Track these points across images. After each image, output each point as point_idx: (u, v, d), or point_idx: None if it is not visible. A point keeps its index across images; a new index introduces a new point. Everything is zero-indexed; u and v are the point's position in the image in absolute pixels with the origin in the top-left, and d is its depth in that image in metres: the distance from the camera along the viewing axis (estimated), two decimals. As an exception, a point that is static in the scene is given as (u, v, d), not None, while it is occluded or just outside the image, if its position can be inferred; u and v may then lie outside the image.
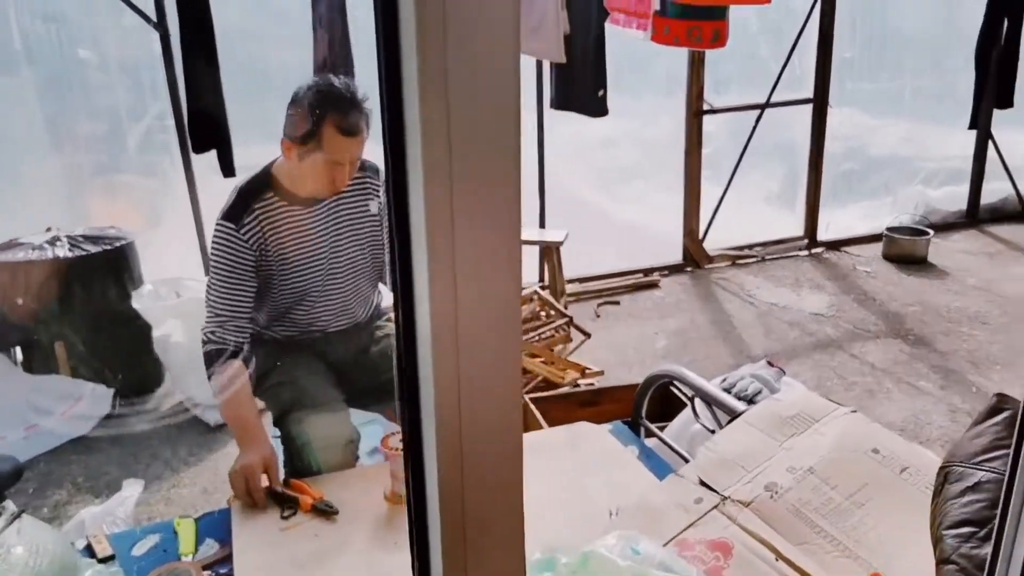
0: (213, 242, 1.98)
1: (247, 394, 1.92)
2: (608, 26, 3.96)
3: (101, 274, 3.31)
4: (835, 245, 5.30)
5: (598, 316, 4.29)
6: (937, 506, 1.24)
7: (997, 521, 0.88)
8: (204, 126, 3.39)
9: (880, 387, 3.44)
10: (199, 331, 2.00)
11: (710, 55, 4.75)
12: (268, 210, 1.98)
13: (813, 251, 5.26)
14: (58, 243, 3.30)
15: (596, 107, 3.94)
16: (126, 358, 3.39)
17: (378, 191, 2.19)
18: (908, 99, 5.88)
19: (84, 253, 3.28)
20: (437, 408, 0.48)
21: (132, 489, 2.06)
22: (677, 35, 4.22)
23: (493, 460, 0.50)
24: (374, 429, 2.47)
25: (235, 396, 1.89)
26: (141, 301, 3.39)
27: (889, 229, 5.10)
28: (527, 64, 4.39)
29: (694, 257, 5.00)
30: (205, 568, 1.66)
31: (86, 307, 3.28)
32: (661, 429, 2.48)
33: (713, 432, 1.96)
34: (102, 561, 1.69)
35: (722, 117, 5.07)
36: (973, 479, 1.22)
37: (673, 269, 4.97)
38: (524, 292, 3.26)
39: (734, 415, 1.79)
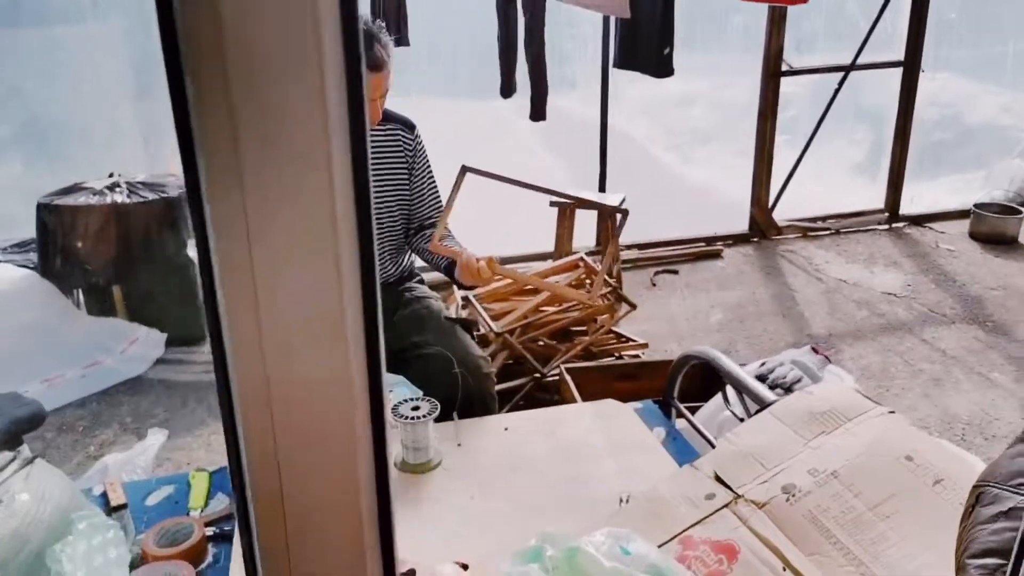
0: None
1: None
2: (679, -21, 3.75)
3: (156, 221, 3.38)
4: (918, 220, 4.97)
5: (654, 285, 4.16)
6: (965, 529, 1.12)
7: (1015, 553, 0.76)
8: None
9: (949, 376, 3.22)
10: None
11: (792, 11, 4.46)
12: None
13: (893, 226, 4.95)
14: (117, 189, 3.38)
15: (661, 67, 3.75)
16: (179, 304, 3.47)
17: (409, 145, 2.17)
18: (1012, 64, 5.41)
19: (141, 200, 3.35)
20: (244, 427, 0.41)
21: (155, 438, 2.10)
22: (756, -11, 3.97)
23: (319, 490, 0.43)
24: (400, 392, 2.44)
25: None
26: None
27: (978, 206, 4.74)
28: (594, 19, 4.22)
29: (761, 227, 4.78)
30: (210, 524, 1.67)
31: (141, 252, 3.36)
32: (695, 411, 2.37)
33: (742, 421, 1.84)
34: (115, 509, 1.72)
35: (805, 79, 4.78)
36: (1008, 503, 1.09)
37: (738, 239, 4.77)
38: (570, 258, 3.16)
39: (763, 405, 1.67)
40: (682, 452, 1.93)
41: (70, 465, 2.66)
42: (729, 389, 1.90)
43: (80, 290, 3.42)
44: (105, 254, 3.31)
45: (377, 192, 2.11)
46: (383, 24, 1.96)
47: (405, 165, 2.16)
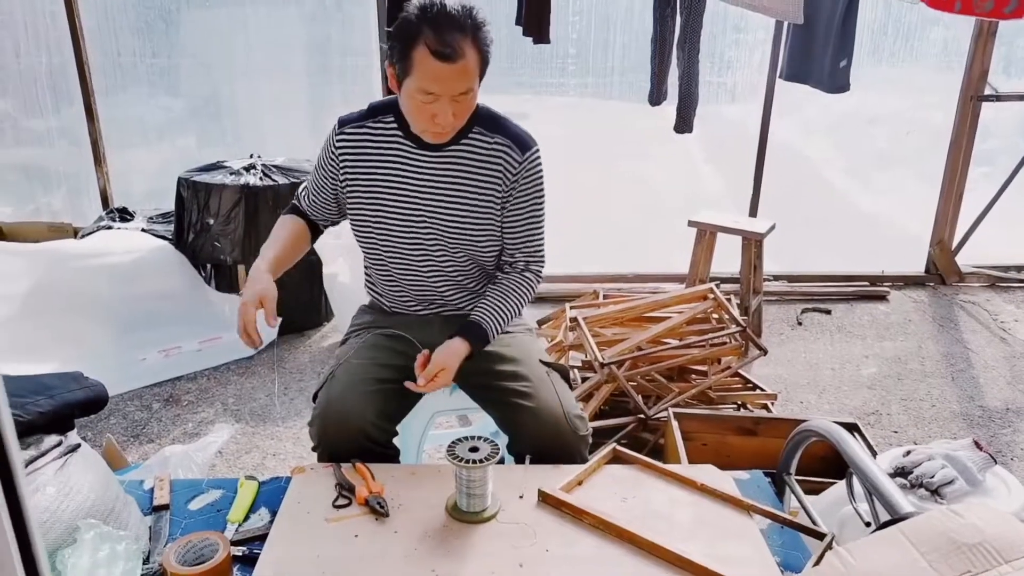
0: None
1: (274, 243, 1.95)
2: (867, -17, 3.30)
3: (283, 204, 3.37)
4: None
5: (800, 324, 3.72)
6: None
7: None
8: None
9: None
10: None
11: (1004, 28, 3.86)
12: (379, 130, 1.76)
13: (1108, 286, 4.19)
14: (252, 170, 3.42)
15: (835, 81, 3.32)
16: (296, 290, 3.47)
17: (513, 167, 1.75)
18: None
19: (271, 183, 3.37)
20: None
21: (219, 435, 2.03)
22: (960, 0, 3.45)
23: None
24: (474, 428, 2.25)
25: (269, 243, 1.94)
26: (320, 237, 3.43)
27: None
28: (767, 24, 3.83)
29: (940, 271, 4.18)
30: (241, 543, 1.55)
31: (266, 234, 3.36)
32: (822, 489, 2.02)
33: (868, 526, 1.50)
34: (157, 509, 1.65)
35: (1015, 106, 4.13)
36: None
37: (910, 281, 4.20)
38: (699, 289, 2.84)
39: (894, 516, 1.33)
40: (788, 547, 1.60)
41: (166, 439, 2.69)
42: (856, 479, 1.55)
43: (210, 265, 3.49)
44: (233, 233, 3.36)
45: (458, 207, 1.77)
46: (486, 20, 1.61)
47: (498, 189, 1.77)
